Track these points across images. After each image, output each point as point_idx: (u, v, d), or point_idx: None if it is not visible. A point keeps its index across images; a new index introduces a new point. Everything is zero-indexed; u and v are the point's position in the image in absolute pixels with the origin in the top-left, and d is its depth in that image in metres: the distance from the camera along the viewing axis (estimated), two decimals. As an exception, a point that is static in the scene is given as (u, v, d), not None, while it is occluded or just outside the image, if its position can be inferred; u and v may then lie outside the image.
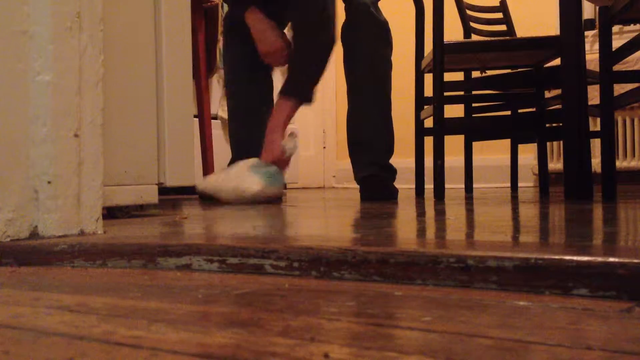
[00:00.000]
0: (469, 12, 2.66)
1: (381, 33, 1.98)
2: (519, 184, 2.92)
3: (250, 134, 2.03)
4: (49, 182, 0.88)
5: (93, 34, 0.95)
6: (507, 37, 2.58)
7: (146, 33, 1.35)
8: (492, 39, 2.58)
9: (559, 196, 1.98)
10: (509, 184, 2.87)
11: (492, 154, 3.42)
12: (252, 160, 1.82)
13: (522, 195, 2.24)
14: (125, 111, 1.29)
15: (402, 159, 2.81)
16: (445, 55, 1.96)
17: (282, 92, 1.87)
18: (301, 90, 1.88)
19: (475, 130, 2.44)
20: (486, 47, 2.10)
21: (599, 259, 0.53)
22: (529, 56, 2.19)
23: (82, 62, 0.93)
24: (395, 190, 2.01)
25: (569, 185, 1.67)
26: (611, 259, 0.53)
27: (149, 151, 1.35)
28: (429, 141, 2.15)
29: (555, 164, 3.25)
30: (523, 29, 2.79)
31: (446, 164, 2.01)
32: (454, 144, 2.63)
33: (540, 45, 2.02)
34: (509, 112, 2.44)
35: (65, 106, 0.90)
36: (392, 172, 2.04)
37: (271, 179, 1.79)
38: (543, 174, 2.54)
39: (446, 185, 2.05)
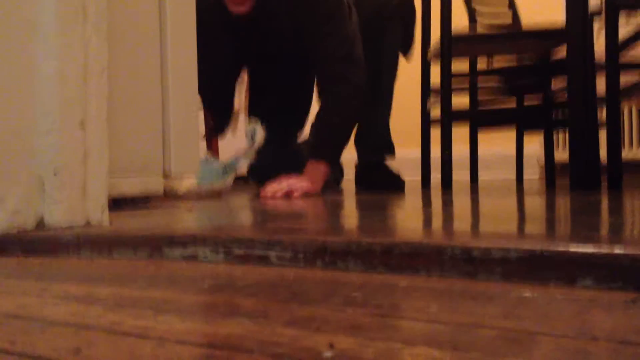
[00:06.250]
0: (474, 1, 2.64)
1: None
2: (525, 175, 2.91)
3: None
4: (54, 173, 0.88)
5: (98, 23, 0.95)
6: (514, 30, 2.57)
7: (151, 22, 1.35)
8: (499, 32, 2.56)
9: (565, 187, 1.98)
10: (514, 175, 2.87)
11: (498, 145, 3.41)
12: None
13: (527, 185, 2.23)
14: (131, 101, 1.29)
15: (409, 149, 2.81)
16: (452, 45, 1.95)
17: (313, 154, 1.76)
18: (331, 153, 1.80)
19: (480, 118, 2.43)
20: (493, 39, 2.09)
21: (605, 249, 0.53)
22: (536, 44, 2.18)
23: (87, 52, 0.93)
24: (402, 182, 2.01)
25: (575, 176, 1.66)
26: (617, 250, 0.53)
27: (155, 141, 1.35)
28: (434, 132, 2.14)
29: (562, 154, 3.24)
30: (528, 15, 2.77)
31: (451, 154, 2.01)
32: (459, 134, 2.62)
33: (546, 36, 2.01)
34: (514, 99, 2.43)
35: (70, 96, 0.90)
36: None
37: (208, 175, 1.75)
38: (549, 164, 2.53)
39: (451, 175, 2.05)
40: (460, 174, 2.89)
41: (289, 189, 1.64)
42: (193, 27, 1.46)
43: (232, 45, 1.92)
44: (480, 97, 2.44)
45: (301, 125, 2.19)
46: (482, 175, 2.92)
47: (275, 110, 2.11)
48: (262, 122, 2.02)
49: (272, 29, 1.86)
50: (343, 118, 1.82)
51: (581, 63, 1.66)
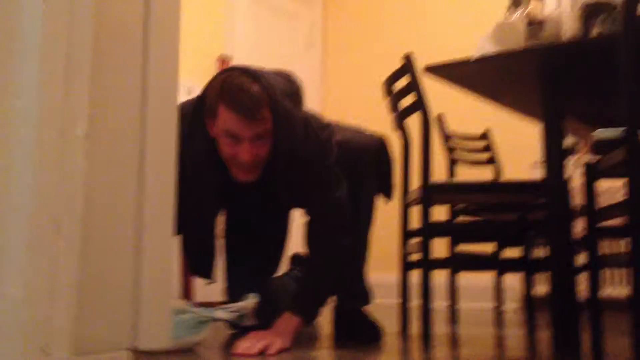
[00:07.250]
0: (452, 140, 2.68)
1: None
2: (507, 303, 2.88)
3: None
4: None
5: (70, 237, 0.93)
6: (493, 181, 2.58)
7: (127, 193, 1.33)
8: (478, 181, 2.57)
9: (545, 324, 1.95)
10: (494, 304, 2.83)
11: (477, 275, 3.39)
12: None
13: (507, 320, 2.20)
14: (99, 278, 1.25)
15: (387, 273, 2.77)
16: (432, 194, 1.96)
17: (292, 308, 1.74)
18: (311, 311, 1.79)
19: (460, 264, 2.42)
20: (471, 189, 2.10)
21: None
22: (515, 197, 2.19)
23: (56, 268, 0.90)
24: (379, 331, 1.96)
25: (556, 338, 1.67)
26: None
27: (123, 314, 1.30)
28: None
29: (542, 288, 3.21)
30: (506, 156, 2.82)
31: (431, 281, 1.96)
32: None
33: (525, 189, 2.04)
34: (495, 243, 2.43)
35: (34, 320, 0.87)
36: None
37: (179, 329, 1.65)
38: (528, 301, 2.51)
39: (430, 303, 1.98)
40: (440, 300, 2.85)
41: (262, 346, 1.58)
42: (172, 191, 1.44)
43: (220, 198, 1.92)
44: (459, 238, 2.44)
45: (275, 269, 2.17)
46: (463, 303, 2.88)
47: (252, 252, 2.09)
48: (237, 263, 1.99)
49: (267, 189, 1.88)
50: (328, 281, 1.83)
51: (560, 221, 1.69)
